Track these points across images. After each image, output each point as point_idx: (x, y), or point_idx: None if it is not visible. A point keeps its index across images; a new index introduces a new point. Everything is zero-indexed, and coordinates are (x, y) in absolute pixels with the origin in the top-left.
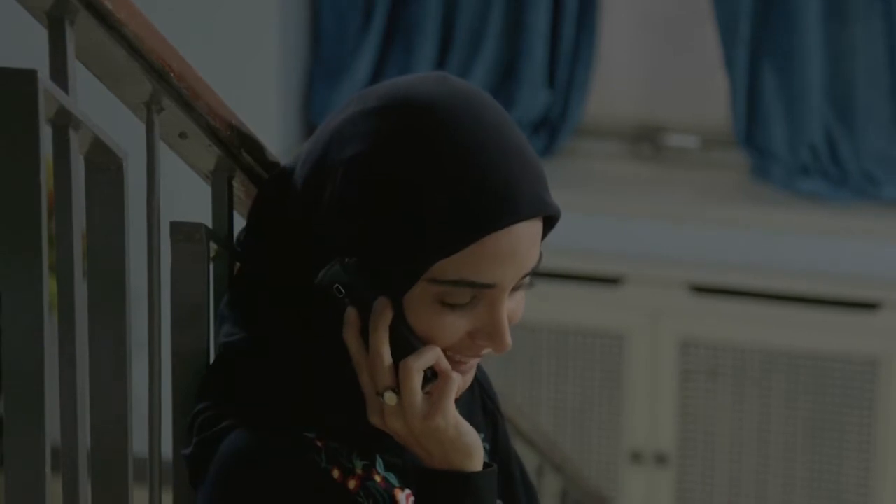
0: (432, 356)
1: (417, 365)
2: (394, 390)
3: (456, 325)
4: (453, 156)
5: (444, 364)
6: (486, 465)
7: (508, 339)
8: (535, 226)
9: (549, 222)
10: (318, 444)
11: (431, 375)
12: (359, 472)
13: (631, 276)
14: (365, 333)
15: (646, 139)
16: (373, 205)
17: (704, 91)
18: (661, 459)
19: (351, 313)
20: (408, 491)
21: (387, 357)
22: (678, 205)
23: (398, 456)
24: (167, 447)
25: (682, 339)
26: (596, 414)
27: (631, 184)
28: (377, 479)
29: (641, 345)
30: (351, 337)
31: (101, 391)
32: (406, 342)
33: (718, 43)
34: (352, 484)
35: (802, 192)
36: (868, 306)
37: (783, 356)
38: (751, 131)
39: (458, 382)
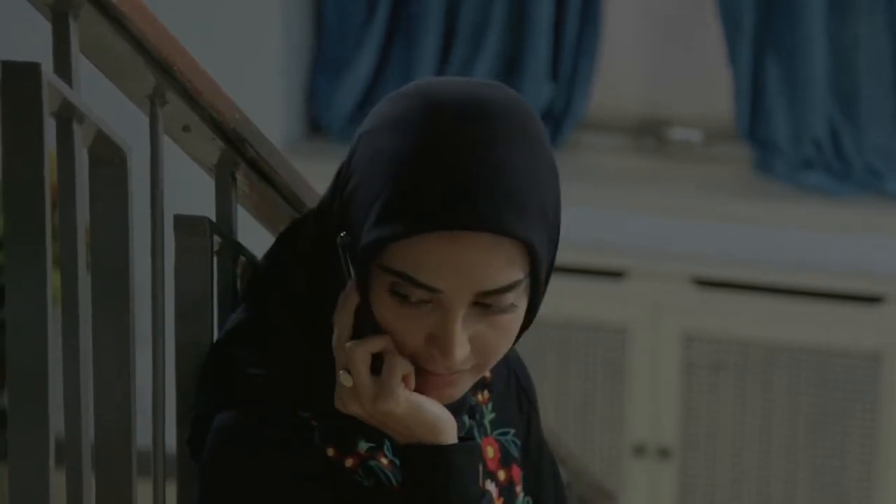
0: (378, 343)
1: (360, 349)
2: (348, 371)
3: (413, 325)
4: (428, 151)
5: (390, 347)
6: (464, 440)
7: (455, 354)
8: (496, 244)
9: (535, 255)
10: (313, 423)
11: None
12: (362, 452)
13: (634, 270)
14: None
15: (649, 133)
16: (359, 183)
17: (708, 85)
18: (664, 453)
19: (347, 293)
20: None
21: (345, 338)
22: (681, 199)
23: None
24: (171, 440)
25: (685, 333)
26: (599, 408)
27: (634, 177)
28: (384, 461)
29: (644, 339)
30: (338, 316)
31: (105, 384)
32: (366, 328)
33: (722, 37)
34: (349, 462)
35: (806, 187)
36: (871, 300)
37: (786, 350)
38: (754, 125)
39: (407, 365)
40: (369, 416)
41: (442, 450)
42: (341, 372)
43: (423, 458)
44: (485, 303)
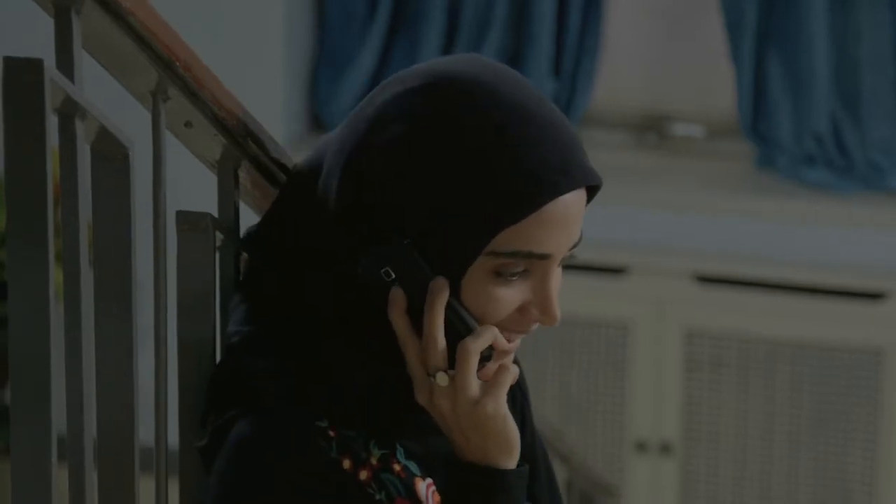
0: (490, 336)
1: (476, 346)
2: (446, 371)
3: (508, 300)
4: (508, 125)
5: (502, 341)
6: (518, 463)
7: (558, 311)
8: (583, 195)
9: (589, 195)
10: (331, 433)
11: (487, 356)
12: (374, 462)
13: (636, 266)
14: (409, 315)
15: (651, 129)
16: (431, 183)
17: (710, 80)
18: (665, 449)
19: (397, 294)
20: (429, 480)
21: (441, 338)
22: (683, 194)
23: (419, 443)
24: (173, 436)
25: (687, 329)
26: (601, 404)
27: (636, 173)
28: (396, 467)
29: (646, 335)
30: (398, 317)
31: (107, 381)
32: (461, 321)
33: (724, 32)
34: (363, 475)
35: (808, 182)
36: (873, 296)
37: (788, 346)
38: (756, 121)
39: (515, 373)
40: (456, 418)
41: (506, 474)
42: (440, 373)
43: (487, 480)
44: (565, 255)
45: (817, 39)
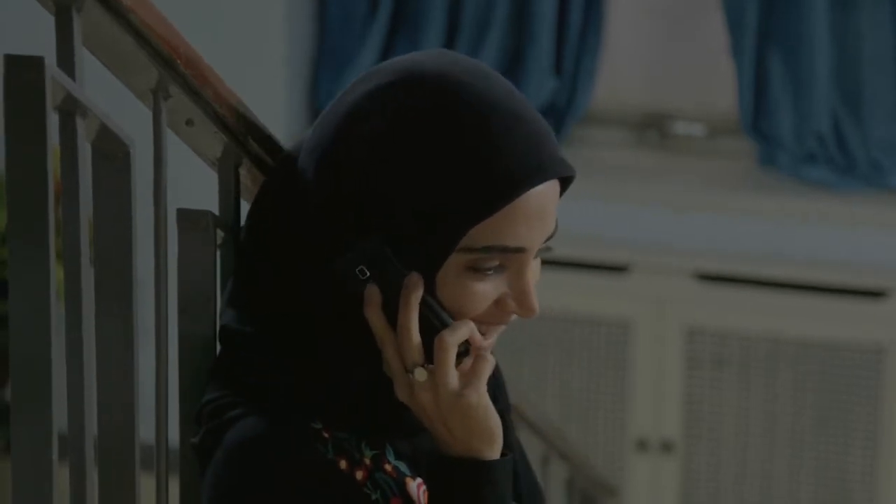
0: (466, 330)
1: (453, 339)
2: (423, 366)
3: (484, 294)
4: (478, 120)
5: (478, 337)
6: (502, 453)
7: (536, 304)
8: (556, 187)
9: (562, 187)
10: (325, 435)
11: (464, 351)
12: (367, 462)
13: (637, 265)
14: (385, 311)
15: (652, 127)
16: (403, 179)
17: (711, 79)
18: (666, 447)
19: (372, 291)
20: (419, 479)
21: (416, 333)
22: (684, 193)
23: (408, 443)
24: (174, 434)
25: (689, 328)
26: (602, 402)
27: (637, 172)
28: (387, 468)
29: (647, 333)
30: (374, 314)
31: (108, 379)
32: (436, 317)
33: (725, 30)
34: (359, 475)
35: (809, 181)
36: (874, 294)
37: (789, 344)
38: (757, 119)
39: (492, 363)
40: (438, 411)
41: (491, 466)
42: (418, 369)
43: (471, 472)
44: (540, 248)
45: (818, 38)
